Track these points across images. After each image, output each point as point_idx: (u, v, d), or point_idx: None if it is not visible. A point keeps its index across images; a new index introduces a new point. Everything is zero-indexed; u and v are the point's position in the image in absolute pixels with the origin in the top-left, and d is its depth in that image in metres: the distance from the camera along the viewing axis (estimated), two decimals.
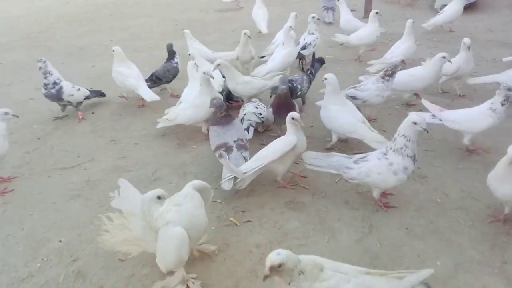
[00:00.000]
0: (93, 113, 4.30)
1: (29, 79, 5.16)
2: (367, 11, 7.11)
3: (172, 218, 2.10)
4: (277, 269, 1.61)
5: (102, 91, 4.55)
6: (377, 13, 5.29)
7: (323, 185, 2.97)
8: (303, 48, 5.09)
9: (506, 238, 2.37)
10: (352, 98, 3.56)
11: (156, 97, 4.17)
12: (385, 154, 2.59)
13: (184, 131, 3.83)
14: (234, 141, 3.05)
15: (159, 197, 2.13)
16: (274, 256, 1.61)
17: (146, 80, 4.49)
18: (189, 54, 4.51)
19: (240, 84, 3.86)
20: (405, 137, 2.50)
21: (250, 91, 3.90)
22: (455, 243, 2.36)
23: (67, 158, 3.50)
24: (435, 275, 2.13)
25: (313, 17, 5.15)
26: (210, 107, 3.26)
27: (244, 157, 2.98)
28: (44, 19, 8.86)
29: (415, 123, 2.46)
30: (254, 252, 2.40)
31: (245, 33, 4.73)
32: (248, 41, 4.78)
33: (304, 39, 5.14)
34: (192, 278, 2.22)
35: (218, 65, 3.78)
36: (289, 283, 1.65)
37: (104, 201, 2.90)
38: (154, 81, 4.59)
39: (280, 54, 4.62)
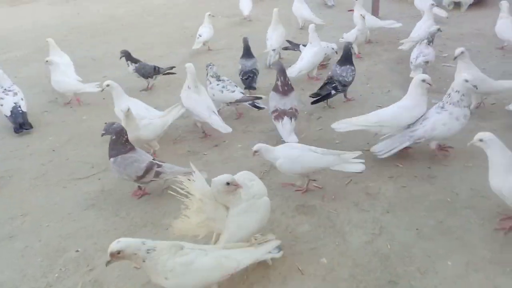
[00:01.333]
0: (105, 123, 4.37)
1: (43, 92, 5.28)
2: (374, 10, 7.10)
3: (258, 190, 2.41)
4: (117, 255, 1.92)
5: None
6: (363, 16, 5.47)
7: (333, 188, 2.99)
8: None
9: None
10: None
11: (229, 129, 3.67)
12: (442, 107, 3.09)
13: (194, 138, 3.89)
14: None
15: (228, 183, 2.26)
16: (114, 244, 1.92)
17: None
18: (47, 61, 4.79)
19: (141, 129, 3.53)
20: (458, 92, 3.02)
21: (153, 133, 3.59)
22: (465, 243, 2.36)
23: (81, 168, 3.58)
24: (446, 275, 2.15)
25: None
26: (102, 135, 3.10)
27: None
28: (56, 32, 9.01)
29: (466, 81, 2.99)
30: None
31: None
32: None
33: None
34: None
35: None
36: (144, 261, 1.95)
37: (118, 210, 2.97)
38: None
39: (308, 53, 4.72)
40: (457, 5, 7.13)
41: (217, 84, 4.11)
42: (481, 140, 2.43)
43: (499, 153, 2.37)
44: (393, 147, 3.11)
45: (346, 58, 4.21)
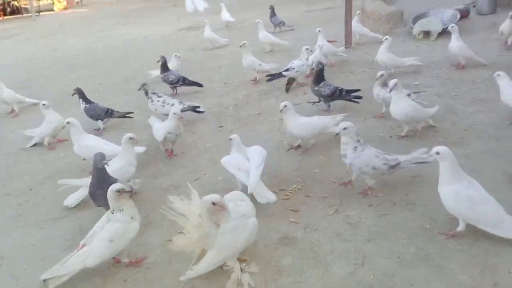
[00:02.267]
0: (84, 159, 4.33)
1: (20, 128, 5.22)
2: (347, 41, 7.33)
3: (247, 211, 2.58)
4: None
5: None
6: (307, 48, 5.65)
7: (315, 218, 3.01)
8: (286, 70, 5.59)
9: (496, 259, 2.41)
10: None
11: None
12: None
13: (176, 172, 3.88)
14: None
15: (213, 203, 2.42)
16: None
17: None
18: None
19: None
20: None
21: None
22: (445, 269, 2.39)
23: (59, 207, 3.51)
24: None
25: (307, 49, 5.57)
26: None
27: None
28: (34, 68, 9.01)
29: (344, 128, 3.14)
30: None
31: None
32: None
33: (292, 63, 5.60)
34: (245, 265, 2.58)
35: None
36: None
37: None
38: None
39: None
40: (427, 34, 7.42)
41: (158, 100, 4.82)
42: (437, 153, 2.64)
43: (449, 165, 2.61)
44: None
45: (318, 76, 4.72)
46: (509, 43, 6.02)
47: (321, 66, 4.79)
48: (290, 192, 3.38)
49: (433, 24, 7.36)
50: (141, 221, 3.14)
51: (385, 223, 2.86)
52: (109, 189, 2.65)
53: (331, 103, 4.77)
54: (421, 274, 2.37)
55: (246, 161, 3.37)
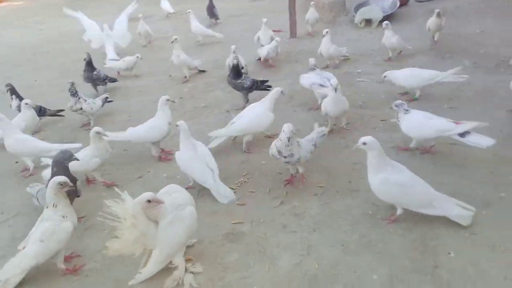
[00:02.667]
0: (17, 162, 4.05)
1: None
2: (292, 32, 7.35)
3: (182, 201, 2.48)
4: None
5: None
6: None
7: (261, 211, 2.98)
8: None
9: (435, 242, 2.48)
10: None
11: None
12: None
13: (118, 170, 3.72)
14: None
15: (148, 201, 2.32)
16: None
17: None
18: None
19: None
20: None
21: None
22: (388, 254, 2.44)
23: None
24: None
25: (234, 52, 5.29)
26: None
27: None
28: None
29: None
30: None
31: None
32: None
33: None
34: (191, 265, 2.51)
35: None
36: None
37: None
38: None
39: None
40: (368, 22, 7.58)
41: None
42: (364, 144, 2.65)
43: (377, 155, 2.64)
44: None
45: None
46: (435, 39, 6.23)
47: (236, 61, 4.83)
48: (237, 186, 3.33)
49: (374, 12, 7.53)
50: (78, 224, 3.00)
51: (329, 211, 2.88)
52: (51, 180, 2.51)
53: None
54: (365, 261, 2.40)
55: (198, 158, 3.28)
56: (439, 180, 3.05)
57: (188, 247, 2.61)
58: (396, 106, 3.41)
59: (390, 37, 5.69)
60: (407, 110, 3.36)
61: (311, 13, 7.30)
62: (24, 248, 2.57)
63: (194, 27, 7.73)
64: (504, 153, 3.27)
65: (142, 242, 2.37)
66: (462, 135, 3.15)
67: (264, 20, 6.41)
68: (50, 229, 2.50)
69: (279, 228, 2.79)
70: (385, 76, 4.42)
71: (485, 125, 3.14)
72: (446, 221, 2.61)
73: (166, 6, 10.57)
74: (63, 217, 2.55)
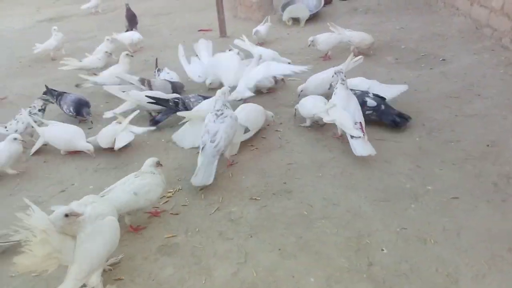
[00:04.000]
0: None
1: None
2: (222, 31, 7.26)
3: (102, 210, 2.33)
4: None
5: None
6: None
7: (197, 219, 2.87)
8: None
9: (369, 239, 2.53)
10: None
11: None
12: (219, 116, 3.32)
13: (37, 185, 3.42)
14: None
15: (66, 215, 2.16)
16: None
17: None
18: None
19: None
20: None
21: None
22: (324, 255, 2.44)
23: None
24: None
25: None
26: None
27: None
28: None
29: None
30: None
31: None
32: None
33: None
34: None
35: None
36: None
37: None
38: None
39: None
40: (296, 21, 7.69)
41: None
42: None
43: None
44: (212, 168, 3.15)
45: None
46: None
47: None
48: (172, 193, 3.18)
49: (301, 10, 7.65)
50: None
51: (266, 215, 2.84)
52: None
53: None
54: (302, 264, 2.39)
55: None
56: (368, 175, 3.13)
57: (115, 264, 2.45)
58: (335, 73, 3.63)
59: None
60: (343, 81, 3.57)
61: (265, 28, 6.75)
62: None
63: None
64: (428, 147, 3.43)
65: (56, 257, 2.14)
66: (351, 136, 3.31)
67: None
68: (147, 186, 2.72)
69: (215, 236, 2.70)
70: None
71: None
72: (379, 217, 2.67)
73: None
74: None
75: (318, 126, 3.91)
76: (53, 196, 3.27)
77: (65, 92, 4.60)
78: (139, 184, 2.74)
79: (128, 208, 2.72)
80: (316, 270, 2.34)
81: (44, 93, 4.55)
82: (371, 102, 3.74)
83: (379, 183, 3.03)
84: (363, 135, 3.30)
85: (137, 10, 9.59)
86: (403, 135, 3.63)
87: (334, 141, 3.65)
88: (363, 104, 3.67)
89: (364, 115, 3.51)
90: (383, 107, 3.75)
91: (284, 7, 7.91)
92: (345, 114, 3.43)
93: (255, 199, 3.01)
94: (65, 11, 11.41)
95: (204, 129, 3.29)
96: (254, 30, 6.58)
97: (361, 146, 3.25)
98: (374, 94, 3.82)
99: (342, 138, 3.61)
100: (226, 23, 7.39)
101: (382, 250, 2.44)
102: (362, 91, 3.90)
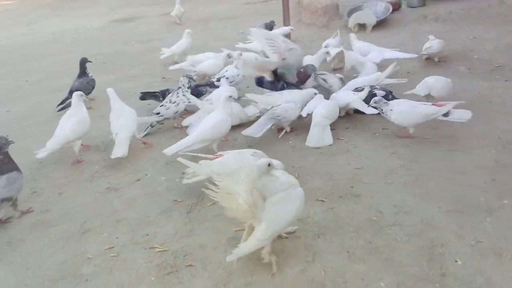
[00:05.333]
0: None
1: None
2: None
3: (294, 181, 2.47)
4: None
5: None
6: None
7: None
8: (218, 80, 4.85)
9: (442, 249, 2.47)
10: None
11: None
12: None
13: (114, 173, 3.65)
14: None
15: (269, 165, 2.34)
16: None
17: (67, 98, 4.75)
18: None
19: None
20: None
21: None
22: (394, 261, 2.41)
23: None
24: None
25: (241, 54, 5.08)
26: None
27: None
28: None
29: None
30: None
31: None
32: None
33: (226, 71, 4.96)
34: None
35: None
36: None
37: (30, 263, 2.65)
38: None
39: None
40: (362, 27, 7.62)
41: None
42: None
43: None
44: (263, 127, 3.89)
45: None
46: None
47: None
48: None
49: (368, 16, 7.57)
50: (77, 228, 2.95)
51: (333, 217, 2.85)
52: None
53: None
54: (372, 268, 2.38)
55: None
56: (441, 185, 3.06)
57: (290, 234, 2.68)
58: (375, 103, 3.75)
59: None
60: (386, 102, 3.73)
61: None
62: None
63: None
64: (505, 160, 3.29)
65: (252, 212, 2.30)
66: (445, 115, 3.61)
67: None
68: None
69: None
70: None
71: (462, 102, 3.78)
72: (453, 228, 2.61)
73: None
74: None
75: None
76: (129, 184, 3.47)
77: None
78: None
79: None
80: (386, 275, 2.32)
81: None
82: (380, 93, 4.06)
83: (452, 194, 2.94)
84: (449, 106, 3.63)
85: (206, 14, 9.97)
86: (478, 147, 3.51)
87: (403, 148, 3.59)
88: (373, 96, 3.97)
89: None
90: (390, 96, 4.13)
91: (350, 13, 7.86)
92: (419, 108, 3.69)
93: (322, 200, 3.03)
94: (136, 12, 12.01)
95: None
96: (324, 43, 6.25)
97: (460, 113, 3.65)
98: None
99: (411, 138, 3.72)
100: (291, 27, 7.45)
101: (456, 261, 2.38)
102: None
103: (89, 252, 2.71)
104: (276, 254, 2.55)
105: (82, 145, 3.97)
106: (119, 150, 3.66)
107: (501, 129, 3.76)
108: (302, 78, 4.67)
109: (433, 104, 3.70)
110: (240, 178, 2.31)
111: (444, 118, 3.63)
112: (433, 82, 4.23)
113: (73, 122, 3.82)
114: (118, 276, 2.50)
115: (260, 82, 4.74)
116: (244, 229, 2.78)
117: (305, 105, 4.11)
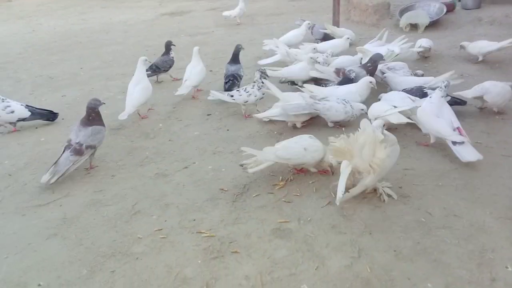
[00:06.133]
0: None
1: None
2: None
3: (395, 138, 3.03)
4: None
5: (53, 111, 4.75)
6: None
7: (309, 210, 2.95)
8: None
9: (492, 255, 2.40)
10: None
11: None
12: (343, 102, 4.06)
13: (163, 160, 3.76)
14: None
15: (383, 125, 3.05)
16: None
17: (147, 70, 5.21)
18: None
19: None
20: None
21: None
22: (443, 263, 2.37)
23: (41, 194, 3.36)
24: None
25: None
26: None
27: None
28: (11, 49, 8.64)
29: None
30: (244, 285, 2.34)
31: None
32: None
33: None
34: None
35: None
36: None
37: (83, 239, 2.79)
38: (154, 70, 5.65)
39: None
40: (414, 27, 7.44)
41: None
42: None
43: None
44: (301, 109, 3.99)
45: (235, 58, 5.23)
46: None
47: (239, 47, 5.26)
48: (283, 183, 3.30)
49: (420, 17, 7.39)
50: (126, 209, 3.06)
51: (380, 216, 2.82)
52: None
53: None
54: (420, 269, 2.34)
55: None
56: (494, 191, 2.96)
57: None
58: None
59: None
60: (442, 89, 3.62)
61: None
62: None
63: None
64: None
65: (367, 166, 2.80)
66: (454, 143, 3.36)
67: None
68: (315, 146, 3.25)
69: (328, 228, 2.75)
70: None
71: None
72: (504, 235, 2.53)
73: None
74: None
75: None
76: (177, 171, 3.57)
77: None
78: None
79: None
80: (434, 277, 2.28)
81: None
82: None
83: (505, 200, 2.85)
84: (466, 139, 3.33)
85: (252, 10, 10.04)
86: None
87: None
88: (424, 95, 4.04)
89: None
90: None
91: (402, 12, 7.70)
92: (439, 121, 3.46)
93: (369, 199, 3.00)
94: (185, 7, 12.25)
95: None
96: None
97: (467, 152, 3.27)
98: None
99: (429, 146, 3.65)
100: (340, 25, 7.39)
101: (507, 267, 2.31)
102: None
103: (139, 233, 2.82)
104: (320, 248, 2.58)
105: (149, 109, 4.86)
106: (181, 91, 4.93)
107: None
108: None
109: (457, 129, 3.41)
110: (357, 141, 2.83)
111: (451, 146, 3.38)
112: (490, 87, 4.07)
113: (138, 89, 4.53)
114: (166, 257, 2.58)
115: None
116: (287, 221, 2.84)
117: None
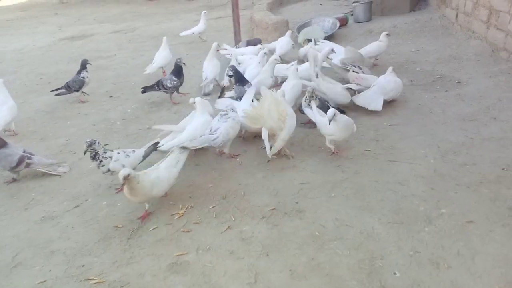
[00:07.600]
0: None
1: None
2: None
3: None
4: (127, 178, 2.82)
5: None
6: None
7: (208, 238, 2.86)
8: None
9: (381, 262, 2.48)
10: None
11: None
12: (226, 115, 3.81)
13: (52, 200, 3.47)
14: None
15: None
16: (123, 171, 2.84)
17: (61, 88, 5.64)
18: None
19: None
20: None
21: None
22: (335, 276, 2.40)
23: None
24: None
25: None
26: None
27: None
28: None
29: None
30: None
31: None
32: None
33: None
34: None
35: None
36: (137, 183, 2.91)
37: None
38: (66, 88, 5.67)
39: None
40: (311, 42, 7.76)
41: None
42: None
43: None
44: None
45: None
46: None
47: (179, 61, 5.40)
48: (183, 211, 3.19)
49: (316, 32, 7.71)
50: (7, 262, 2.76)
51: (278, 234, 2.82)
52: None
53: None
54: (313, 285, 2.35)
55: None
56: (381, 197, 3.10)
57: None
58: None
59: None
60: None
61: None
62: None
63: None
64: (443, 169, 3.38)
65: (279, 125, 3.56)
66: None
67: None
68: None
69: (226, 255, 2.69)
70: None
71: None
72: (392, 240, 2.63)
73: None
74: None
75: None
76: (67, 211, 3.31)
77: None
78: None
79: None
80: None
81: None
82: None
83: (392, 204, 2.99)
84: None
85: (159, 30, 9.81)
86: (417, 157, 3.60)
87: (347, 161, 3.63)
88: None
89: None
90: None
91: (299, 29, 8.00)
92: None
93: (267, 218, 2.99)
94: (87, 30, 11.72)
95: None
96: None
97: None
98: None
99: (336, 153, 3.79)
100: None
101: (395, 273, 2.40)
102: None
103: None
104: (218, 278, 2.50)
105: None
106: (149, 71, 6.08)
107: (440, 138, 3.88)
108: None
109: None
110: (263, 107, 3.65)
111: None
112: (386, 82, 4.64)
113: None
114: None
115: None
116: (184, 253, 2.73)
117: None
